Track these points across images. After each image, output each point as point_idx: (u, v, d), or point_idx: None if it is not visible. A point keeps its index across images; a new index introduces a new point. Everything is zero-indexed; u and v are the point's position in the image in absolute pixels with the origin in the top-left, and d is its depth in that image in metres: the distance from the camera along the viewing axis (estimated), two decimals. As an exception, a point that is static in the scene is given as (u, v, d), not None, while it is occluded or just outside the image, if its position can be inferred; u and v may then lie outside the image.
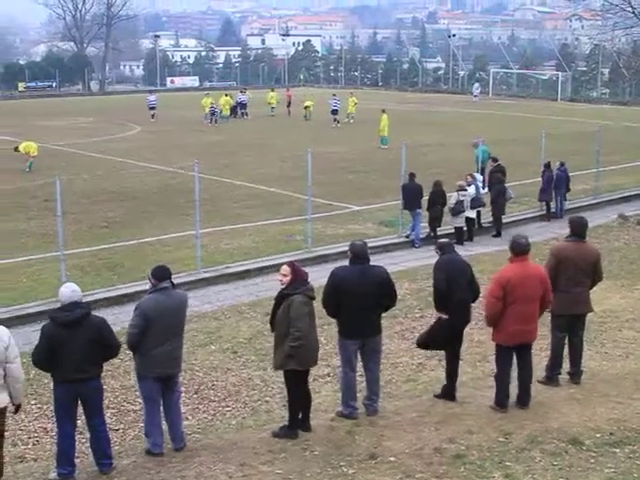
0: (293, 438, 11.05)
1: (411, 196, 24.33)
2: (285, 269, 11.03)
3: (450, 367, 12.57)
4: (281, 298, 11.04)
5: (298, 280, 11.02)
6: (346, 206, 29.08)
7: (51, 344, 10.13)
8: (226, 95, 64.13)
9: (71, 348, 10.10)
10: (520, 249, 11.73)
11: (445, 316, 12.10)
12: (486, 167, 29.39)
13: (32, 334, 16.57)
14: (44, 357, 10.21)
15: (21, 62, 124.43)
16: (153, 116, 63.40)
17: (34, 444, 11.90)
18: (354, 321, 11.62)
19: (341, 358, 12.05)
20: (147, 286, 11.13)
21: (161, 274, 10.97)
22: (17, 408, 10.18)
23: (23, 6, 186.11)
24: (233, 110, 64.24)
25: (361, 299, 11.52)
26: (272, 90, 70.72)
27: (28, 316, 17.67)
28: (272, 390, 13.54)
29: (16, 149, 38.10)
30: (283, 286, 11.02)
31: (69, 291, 10.29)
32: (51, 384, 13.62)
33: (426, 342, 12.80)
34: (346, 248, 23.02)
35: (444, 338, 12.38)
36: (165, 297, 10.81)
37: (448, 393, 12.41)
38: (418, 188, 24.49)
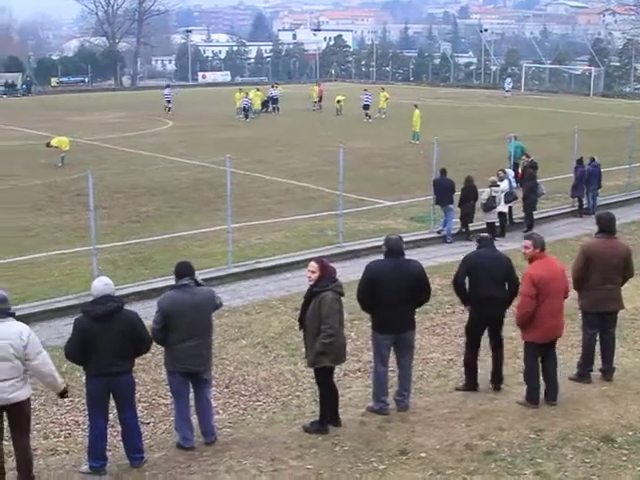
0: (324, 433, 11.05)
1: (443, 191, 24.26)
2: (313, 265, 11.01)
3: (493, 355, 12.76)
4: (311, 296, 10.99)
5: (327, 277, 10.99)
6: (377, 201, 29.03)
7: (83, 337, 10.17)
8: (257, 90, 64.16)
9: (103, 341, 10.14)
10: (544, 245, 11.81)
11: (464, 308, 12.25)
12: (519, 163, 29.25)
13: (64, 328, 16.69)
14: (76, 350, 10.26)
15: (54, 57, 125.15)
16: (169, 110, 64.61)
17: (66, 437, 11.94)
18: (388, 316, 11.61)
19: (374, 353, 12.03)
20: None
21: (181, 271, 11.00)
22: (62, 394, 10.35)
23: (56, 2, 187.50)
24: (264, 105, 64.25)
25: (396, 294, 11.53)
26: (317, 84, 70.25)
27: (60, 310, 17.75)
28: (303, 385, 13.54)
29: (48, 144, 38.32)
30: (312, 282, 10.99)
31: (102, 284, 10.34)
32: (83, 377, 13.70)
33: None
34: (377, 243, 23.07)
35: (474, 329, 12.43)
36: (183, 294, 10.80)
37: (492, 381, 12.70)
38: (450, 183, 24.42)
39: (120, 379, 10.35)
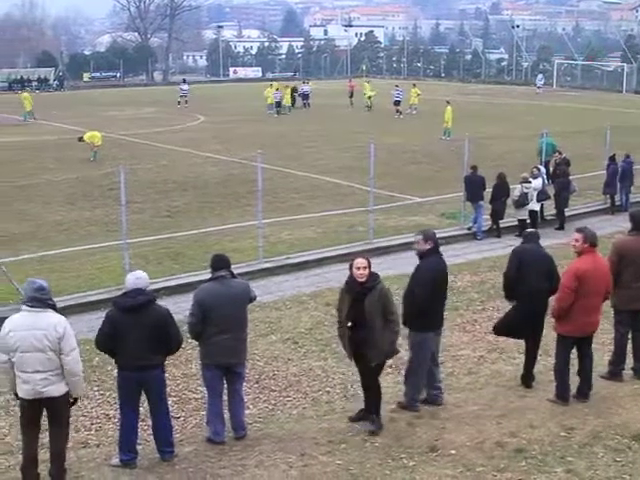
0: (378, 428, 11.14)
1: (474, 188, 24.19)
2: (363, 262, 10.82)
3: (527, 355, 12.73)
4: (365, 291, 10.79)
5: (373, 274, 10.93)
6: (408, 198, 28.98)
7: (113, 328, 10.25)
8: (287, 87, 64.11)
9: (131, 334, 10.18)
10: (595, 241, 11.69)
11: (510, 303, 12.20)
12: (550, 160, 29.11)
13: (96, 321, 16.69)
14: (106, 340, 10.36)
15: (86, 53, 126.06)
16: (180, 103, 66.49)
17: (97, 430, 12.00)
18: (438, 313, 11.79)
19: (421, 352, 11.87)
20: (209, 275, 11.22)
21: (217, 263, 11.05)
22: (74, 401, 10.09)
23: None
24: (292, 100, 64.22)
25: (444, 290, 11.79)
26: (368, 82, 69.06)
27: (92, 304, 17.84)
28: (333, 381, 13.54)
29: (80, 139, 38.51)
30: (363, 279, 10.78)
31: (134, 278, 10.40)
32: (115, 371, 13.80)
33: (502, 328, 12.85)
34: (408, 240, 23.00)
35: (517, 325, 12.40)
36: (220, 286, 10.85)
37: (524, 381, 12.61)
38: (481, 180, 24.34)
39: (150, 373, 10.36)
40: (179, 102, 67.14)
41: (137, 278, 10.40)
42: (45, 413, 9.84)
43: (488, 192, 24.39)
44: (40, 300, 9.58)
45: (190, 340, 14.33)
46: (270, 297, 18.27)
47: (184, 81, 73.07)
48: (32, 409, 9.69)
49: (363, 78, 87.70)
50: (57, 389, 9.61)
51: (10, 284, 17.72)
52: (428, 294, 11.48)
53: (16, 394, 9.79)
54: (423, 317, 11.64)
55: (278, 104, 60.43)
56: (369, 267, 10.82)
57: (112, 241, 21.78)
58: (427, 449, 10.48)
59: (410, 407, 11.79)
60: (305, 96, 65.47)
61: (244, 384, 11.99)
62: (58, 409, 9.79)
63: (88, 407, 12.71)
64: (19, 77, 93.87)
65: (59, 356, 9.51)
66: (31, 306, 9.54)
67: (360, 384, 11.73)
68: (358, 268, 10.79)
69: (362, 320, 10.78)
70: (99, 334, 10.43)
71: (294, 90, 64.03)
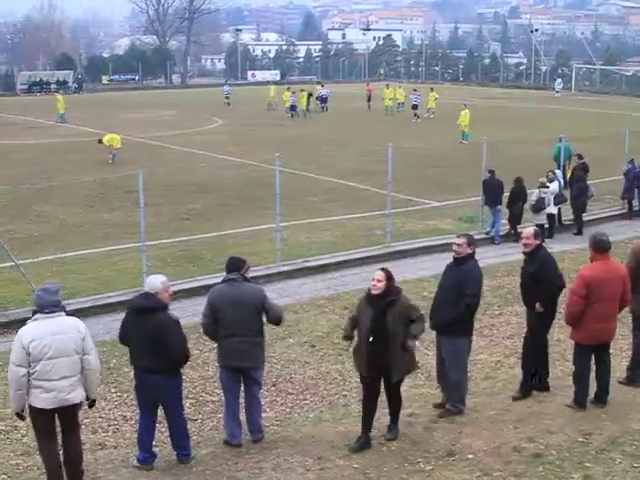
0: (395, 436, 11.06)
1: (492, 192, 24.15)
2: (380, 274, 10.62)
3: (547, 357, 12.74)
4: (387, 305, 10.53)
5: (394, 286, 10.75)
6: (426, 201, 28.97)
7: (123, 328, 10.43)
8: (302, 90, 64.01)
9: (137, 336, 10.24)
10: (602, 247, 11.55)
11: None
12: (567, 164, 29.04)
13: (112, 323, 16.81)
14: (121, 338, 10.57)
15: (105, 55, 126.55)
16: (229, 104, 68.88)
17: (114, 432, 12.06)
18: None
19: (462, 358, 11.82)
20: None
21: (228, 266, 11.11)
22: (92, 403, 9.92)
23: (107, 0, 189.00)
24: (307, 104, 64.07)
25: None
26: (387, 86, 67.82)
27: (109, 306, 17.92)
28: (350, 384, 13.54)
29: (100, 141, 38.65)
30: (378, 292, 10.55)
31: (148, 280, 10.51)
32: (131, 373, 13.86)
33: None
34: (425, 244, 23.11)
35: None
36: (230, 288, 10.87)
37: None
38: (499, 184, 24.29)
39: (156, 378, 10.18)
40: (227, 103, 70.11)
41: (149, 282, 10.44)
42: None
43: (506, 196, 24.35)
44: (58, 304, 9.48)
45: (207, 342, 14.44)
46: (288, 300, 18.28)
47: (226, 82, 76.93)
48: (51, 418, 9.54)
49: (381, 82, 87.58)
50: (79, 394, 9.53)
51: (28, 285, 17.78)
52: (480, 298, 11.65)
53: (28, 407, 9.49)
54: (471, 321, 11.75)
55: (293, 107, 60.64)
56: (388, 280, 10.60)
57: (130, 243, 21.85)
58: (444, 453, 10.46)
59: (455, 412, 11.75)
60: (323, 99, 65.50)
61: (262, 387, 11.99)
62: (76, 414, 9.76)
63: (105, 409, 12.77)
64: (38, 80, 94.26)
65: (81, 358, 9.42)
66: (49, 312, 9.35)
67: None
68: (373, 279, 10.65)
69: (384, 335, 10.52)
70: (119, 338, 10.63)
71: (310, 94, 64.00)
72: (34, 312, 9.46)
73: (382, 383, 10.90)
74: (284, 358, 14.76)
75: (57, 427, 9.76)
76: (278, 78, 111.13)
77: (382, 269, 10.79)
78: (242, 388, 11.24)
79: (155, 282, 10.36)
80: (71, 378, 9.36)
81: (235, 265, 11.06)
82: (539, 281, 11.90)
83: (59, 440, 9.81)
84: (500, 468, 10.05)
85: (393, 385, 10.92)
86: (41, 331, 9.26)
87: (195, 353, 14.05)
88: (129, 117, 59.71)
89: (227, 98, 70.73)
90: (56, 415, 9.57)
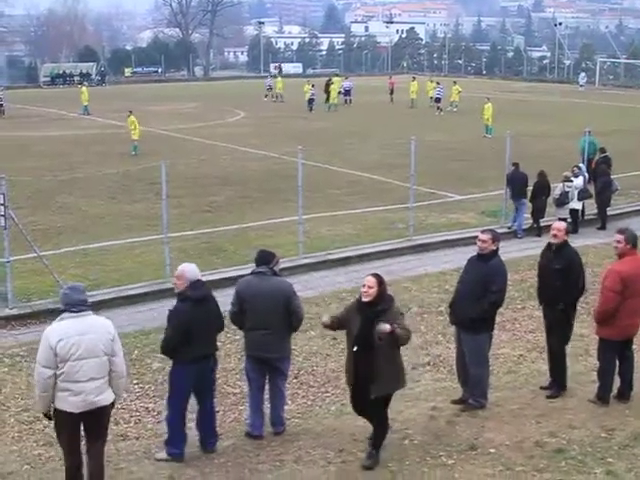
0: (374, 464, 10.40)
1: (517, 185, 23.99)
2: (371, 280, 10.01)
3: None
4: (375, 316, 9.82)
5: (386, 294, 10.13)
6: (448, 195, 28.87)
7: (187, 322, 10.32)
8: (311, 85, 63.69)
9: (203, 325, 10.42)
10: (637, 242, 11.59)
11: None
12: (592, 159, 28.88)
13: (136, 315, 16.95)
14: (181, 335, 10.30)
15: (128, 48, 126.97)
16: (275, 98, 69.00)
17: (136, 423, 12.06)
18: None
19: (484, 353, 11.78)
20: (249, 270, 11.27)
21: (258, 258, 11.15)
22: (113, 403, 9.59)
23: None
24: (327, 95, 64.03)
25: None
26: (414, 79, 67.42)
27: (132, 297, 18.01)
28: (371, 377, 13.50)
29: (130, 113, 39.97)
30: (367, 299, 9.94)
31: (194, 269, 10.51)
32: (153, 364, 13.93)
33: None
34: (447, 237, 23.01)
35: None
36: (259, 281, 10.90)
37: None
38: (524, 177, 24.12)
39: (210, 362, 10.65)
40: (267, 95, 70.12)
41: (193, 270, 10.46)
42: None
43: (529, 190, 24.23)
44: (85, 303, 9.19)
45: (229, 334, 14.46)
46: (310, 293, 18.26)
47: (270, 75, 78.90)
48: (77, 422, 9.20)
49: (404, 75, 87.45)
50: (108, 397, 9.24)
51: (51, 277, 17.84)
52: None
53: (53, 411, 9.25)
54: (493, 317, 11.72)
55: (311, 101, 60.56)
56: (379, 286, 9.96)
57: (152, 235, 21.89)
58: (466, 447, 10.43)
59: (478, 406, 11.70)
60: (347, 92, 65.32)
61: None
62: (104, 417, 9.43)
63: (127, 400, 12.76)
64: (61, 72, 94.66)
65: (109, 359, 9.17)
66: (77, 311, 9.07)
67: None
68: (364, 285, 10.02)
69: (369, 346, 9.82)
70: (174, 333, 10.32)
71: (327, 85, 63.89)
72: (61, 311, 9.19)
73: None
74: (306, 350, 14.74)
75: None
76: (300, 71, 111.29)
77: (373, 274, 10.16)
78: (266, 380, 11.26)
79: (196, 269, 10.53)
80: (99, 380, 9.09)
81: (265, 258, 11.09)
82: (565, 278, 11.81)
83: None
84: (522, 463, 10.03)
85: (371, 402, 10.09)
86: (69, 330, 8.99)
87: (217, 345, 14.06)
88: (152, 109, 59.73)
89: (269, 90, 70.44)
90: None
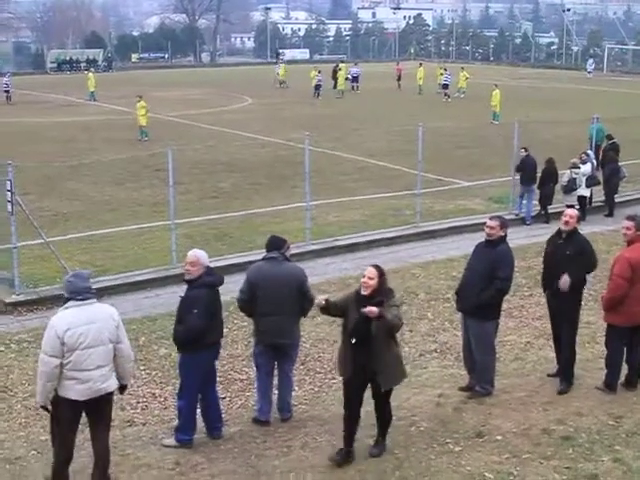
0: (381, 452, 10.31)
1: (528, 171, 23.82)
2: (371, 271, 9.72)
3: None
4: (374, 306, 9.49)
5: (386, 287, 9.84)
6: (455, 181, 28.83)
7: (209, 309, 10.36)
8: (339, 68, 63.60)
9: (218, 310, 10.59)
10: None
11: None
12: (600, 145, 28.77)
13: (142, 301, 16.95)
14: (206, 321, 10.33)
15: (134, 34, 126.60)
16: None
17: (143, 409, 12.07)
18: None
19: (490, 341, 11.76)
20: (257, 256, 11.26)
21: (269, 244, 11.18)
22: (123, 389, 9.69)
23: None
24: (335, 81, 63.90)
25: None
26: (421, 65, 67.78)
27: (139, 283, 18.02)
28: (378, 364, 13.48)
29: (140, 98, 39.81)
30: (366, 292, 9.65)
31: (205, 255, 10.56)
32: (160, 350, 13.93)
33: None
34: (454, 224, 22.94)
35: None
36: (270, 267, 10.91)
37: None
38: (535, 163, 24.01)
39: (217, 348, 10.81)
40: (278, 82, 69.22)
41: (204, 255, 10.52)
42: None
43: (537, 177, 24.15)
44: (90, 290, 9.15)
45: (236, 321, 14.47)
46: (317, 279, 18.17)
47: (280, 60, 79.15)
48: (80, 410, 9.20)
49: (412, 62, 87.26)
50: (113, 383, 9.27)
51: (58, 263, 17.83)
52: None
53: (54, 401, 9.16)
54: (500, 304, 11.72)
55: (318, 87, 60.35)
56: (380, 277, 9.69)
57: (159, 221, 21.88)
58: (473, 434, 10.43)
59: (484, 394, 11.67)
60: (354, 78, 65.19)
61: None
62: (109, 404, 9.43)
63: (134, 386, 12.76)
64: (68, 58, 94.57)
65: (115, 346, 9.16)
66: (82, 299, 9.02)
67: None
68: (364, 276, 9.74)
69: (367, 340, 9.62)
70: (200, 321, 10.25)
71: (335, 71, 63.78)
72: (66, 300, 9.11)
73: (371, 391, 10.09)
74: (313, 337, 14.73)
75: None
76: (307, 57, 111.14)
77: (374, 265, 9.86)
78: (275, 366, 11.28)
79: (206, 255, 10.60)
80: (105, 367, 9.09)
81: (276, 244, 11.11)
82: (576, 262, 11.73)
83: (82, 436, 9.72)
84: (529, 450, 10.02)
85: (383, 395, 10.05)
86: (76, 319, 8.95)
87: (224, 331, 14.05)
88: (158, 95, 59.62)
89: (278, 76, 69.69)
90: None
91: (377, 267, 9.78)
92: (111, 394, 9.35)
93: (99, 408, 9.26)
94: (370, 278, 9.63)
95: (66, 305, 9.06)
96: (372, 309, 9.37)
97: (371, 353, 9.62)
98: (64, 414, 9.15)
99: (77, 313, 8.99)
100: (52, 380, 8.92)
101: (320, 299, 9.99)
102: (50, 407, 9.18)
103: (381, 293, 9.68)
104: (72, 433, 9.29)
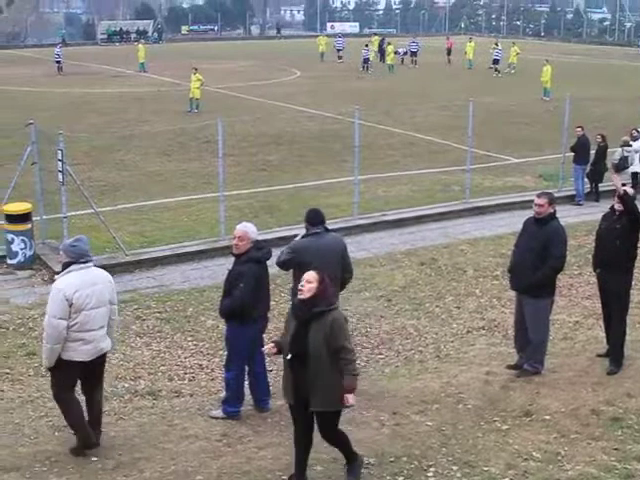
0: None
1: (584, 150, 23.49)
2: (312, 275, 8.66)
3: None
4: (312, 318, 8.52)
5: (326, 296, 8.62)
6: (505, 158, 28.60)
7: (257, 283, 10.40)
8: (389, 44, 63.26)
9: (265, 285, 10.69)
10: None
11: None
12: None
13: (190, 272, 17.00)
14: (251, 296, 10.33)
15: (184, 6, 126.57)
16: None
17: (190, 380, 12.13)
18: None
19: (545, 319, 11.67)
20: (303, 230, 11.18)
21: (313, 217, 11.09)
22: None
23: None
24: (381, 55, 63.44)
25: None
26: (470, 40, 66.16)
27: (187, 254, 18.02)
28: (425, 340, 13.45)
29: (195, 70, 40.05)
30: (303, 297, 8.57)
31: (255, 229, 10.57)
32: (208, 322, 13.96)
33: None
34: (503, 200, 22.74)
35: None
36: (316, 239, 10.92)
37: None
38: (589, 142, 23.69)
39: (264, 322, 10.91)
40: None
41: (253, 229, 10.53)
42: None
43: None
44: (89, 254, 9.52)
45: (283, 294, 14.45)
46: (364, 254, 18.20)
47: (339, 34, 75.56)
48: (82, 371, 9.47)
49: (462, 36, 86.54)
50: (109, 343, 9.68)
51: (107, 233, 17.92)
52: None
53: (61, 362, 9.32)
54: (554, 282, 11.65)
55: (366, 60, 60.07)
56: (321, 283, 8.60)
57: (208, 193, 21.93)
58: (521, 413, 10.35)
59: (534, 372, 11.59)
60: (413, 53, 65.11)
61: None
62: (104, 363, 9.85)
63: (182, 357, 12.86)
64: (118, 29, 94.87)
65: (111, 308, 9.59)
66: (84, 262, 9.33)
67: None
68: (302, 280, 8.72)
69: (303, 354, 8.53)
70: (248, 295, 10.23)
71: (380, 45, 63.47)
72: (66, 264, 9.36)
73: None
74: (359, 312, 14.70)
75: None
76: (357, 30, 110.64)
77: (314, 269, 8.77)
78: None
79: (255, 229, 10.59)
80: (104, 328, 9.49)
81: (320, 217, 11.09)
82: (625, 238, 11.57)
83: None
84: (577, 430, 9.92)
85: (320, 420, 8.83)
86: (82, 282, 9.26)
87: (271, 305, 14.05)
88: (208, 67, 59.52)
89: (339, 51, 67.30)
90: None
91: (318, 272, 8.70)
92: (105, 355, 9.76)
93: (97, 368, 9.64)
94: (308, 282, 8.59)
95: (69, 269, 9.33)
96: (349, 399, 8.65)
97: (308, 370, 8.50)
98: (68, 376, 9.45)
99: (81, 276, 9.32)
100: (60, 342, 9.20)
101: (268, 347, 9.17)
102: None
103: (320, 301, 8.53)
104: (73, 393, 9.64)
